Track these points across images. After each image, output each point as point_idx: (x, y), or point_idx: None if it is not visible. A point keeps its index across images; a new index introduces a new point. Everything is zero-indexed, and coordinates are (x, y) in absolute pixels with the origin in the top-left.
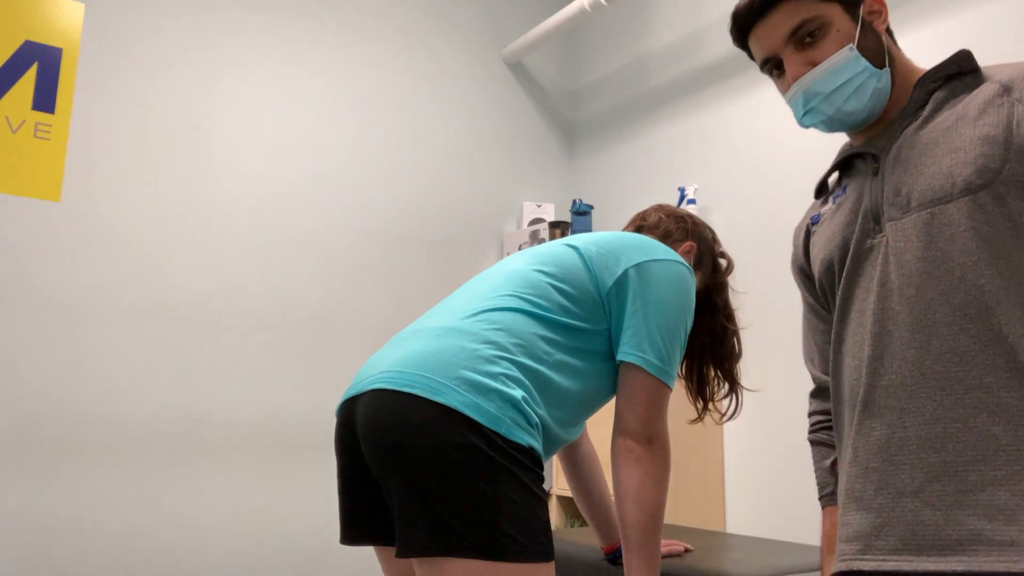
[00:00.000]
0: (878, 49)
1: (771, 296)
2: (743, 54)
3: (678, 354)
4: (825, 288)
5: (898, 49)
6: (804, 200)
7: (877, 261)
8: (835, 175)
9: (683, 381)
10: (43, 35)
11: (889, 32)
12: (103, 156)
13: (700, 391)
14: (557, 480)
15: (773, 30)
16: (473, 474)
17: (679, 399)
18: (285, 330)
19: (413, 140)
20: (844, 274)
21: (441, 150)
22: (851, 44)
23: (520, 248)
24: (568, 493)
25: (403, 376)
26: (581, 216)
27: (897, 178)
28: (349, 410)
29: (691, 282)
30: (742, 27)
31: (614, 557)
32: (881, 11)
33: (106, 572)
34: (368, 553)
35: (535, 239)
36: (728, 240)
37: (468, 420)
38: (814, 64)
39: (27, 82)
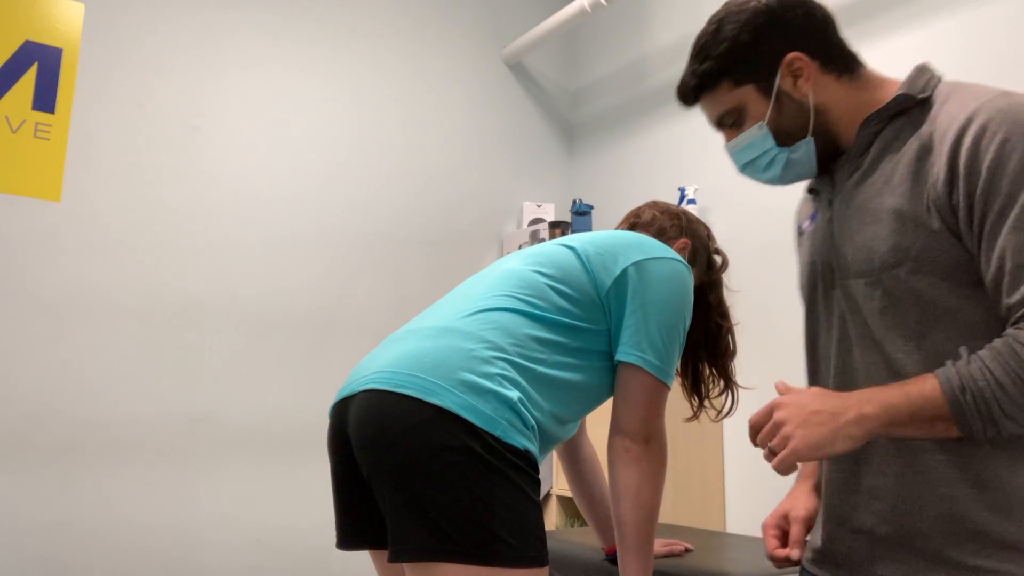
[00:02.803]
0: (797, 119)
1: (771, 296)
2: None
3: (677, 353)
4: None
5: (850, 83)
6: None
7: (835, 315)
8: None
9: (678, 378)
10: (43, 35)
11: (841, 61)
12: (103, 156)
13: (695, 389)
14: (557, 480)
15: (704, 113)
16: (467, 477)
17: (675, 397)
18: (285, 330)
19: (413, 140)
20: (812, 317)
21: (441, 150)
22: (760, 123)
23: (520, 248)
24: (568, 493)
25: (396, 376)
26: (581, 216)
27: (838, 238)
28: (341, 411)
29: (689, 280)
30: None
31: (615, 558)
32: (803, 68)
33: (106, 572)
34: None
35: (535, 239)
36: (727, 240)
37: (463, 422)
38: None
39: (27, 82)
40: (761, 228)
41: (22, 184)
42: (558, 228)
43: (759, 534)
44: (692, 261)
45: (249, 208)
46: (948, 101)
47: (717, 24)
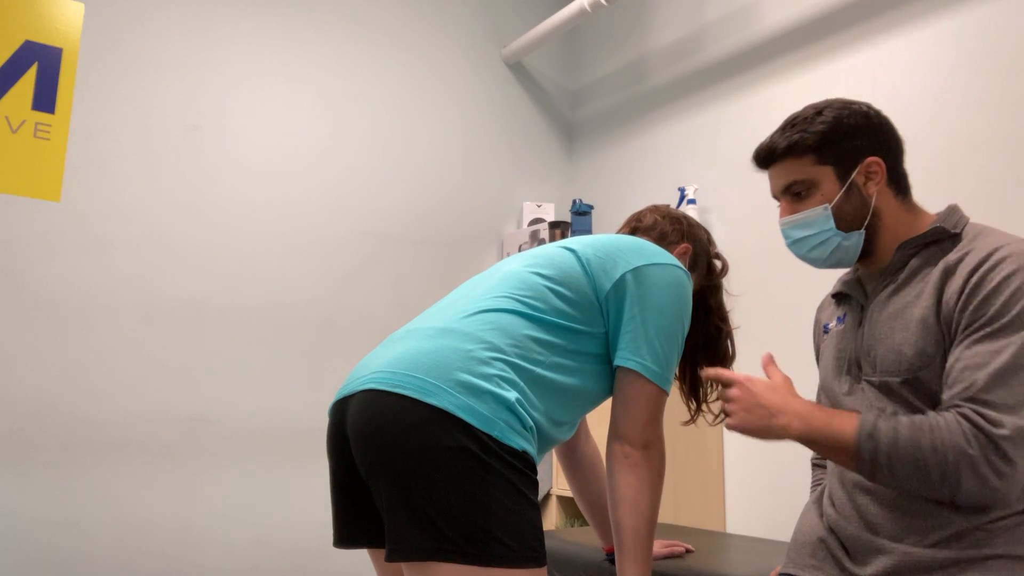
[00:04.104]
0: (858, 212)
1: (770, 296)
2: (743, 54)
3: (675, 359)
4: None
5: (902, 203)
6: None
7: (859, 401)
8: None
9: (676, 382)
10: (43, 35)
11: (902, 183)
12: (103, 156)
13: (693, 392)
14: (557, 480)
15: (774, 179)
16: (464, 478)
17: (673, 400)
18: (285, 330)
19: (413, 140)
20: (837, 391)
21: (441, 150)
22: (827, 204)
23: (520, 248)
24: (568, 493)
25: (394, 376)
26: (581, 216)
27: (868, 339)
28: (340, 410)
29: (688, 286)
30: (759, 166)
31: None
32: (878, 172)
33: (105, 572)
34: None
35: (535, 239)
36: (727, 241)
37: (460, 422)
38: (796, 213)
39: (27, 82)
40: (761, 229)
41: (22, 184)
42: (558, 228)
43: (759, 534)
44: (693, 266)
45: (249, 208)
46: (978, 238)
47: (819, 109)
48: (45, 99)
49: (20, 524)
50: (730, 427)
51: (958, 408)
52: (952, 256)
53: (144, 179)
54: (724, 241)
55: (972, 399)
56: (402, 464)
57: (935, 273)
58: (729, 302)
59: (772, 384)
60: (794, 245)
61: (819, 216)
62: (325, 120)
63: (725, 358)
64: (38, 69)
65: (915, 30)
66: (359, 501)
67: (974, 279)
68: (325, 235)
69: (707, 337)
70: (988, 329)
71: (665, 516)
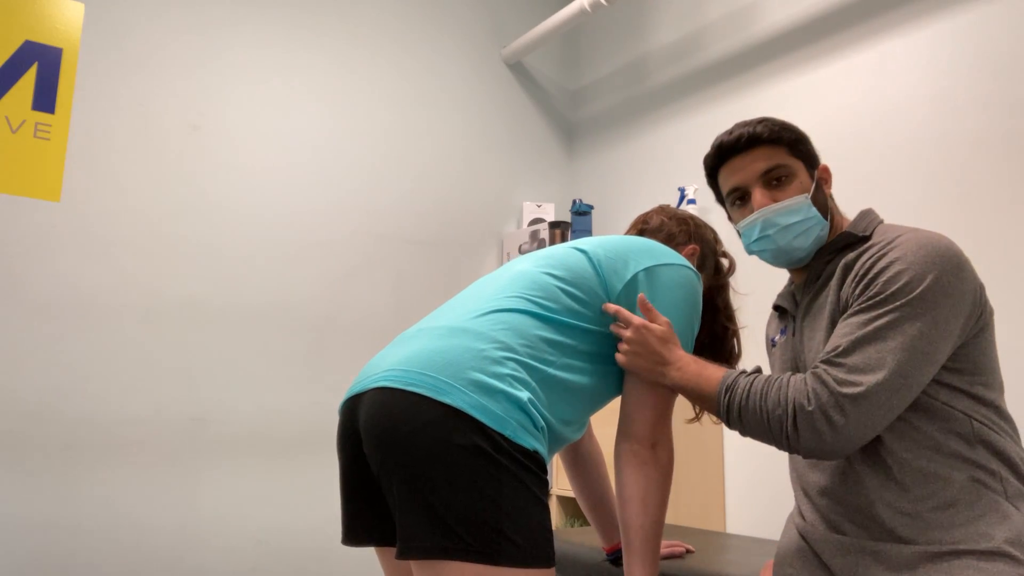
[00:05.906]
0: (824, 206)
1: (771, 297)
2: (742, 54)
3: None
4: None
5: (837, 212)
6: None
7: None
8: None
9: None
10: (43, 35)
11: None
12: (103, 156)
13: None
14: (557, 480)
15: (750, 165)
16: (476, 477)
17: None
18: (285, 330)
19: (413, 140)
20: None
21: (441, 150)
22: (807, 194)
23: (520, 248)
24: (568, 493)
25: (407, 375)
26: (581, 216)
27: (798, 347)
28: (351, 408)
29: (698, 286)
30: (723, 156)
31: (616, 557)
32: (828, 180)
33: (105, 572)
34: (369, 553)
35: (535, 239)
36: (726, 241)
37: (473, 421)
38: (776, 201)
39: (27, 82)
40: None
41: (22, 184)
42: (558, 228)
43: (759, 535)
44: (701, 266)
45: (249, 208)
46: (883, 235)
47: (763, 120)
48: (45, 99)
49: (20, 524)
50: (619, 362)
51: (815, 369)
52: (851, 255)
53: (144, 179)
54: (726, 241)
55: (829, 361)
56: (414, 462)
57: (837, 272)
58: (736, 301)
59: (664, 335)
60: (779, 233)
61: (804, 204)
62: (325, 120)
63: (731, 356)
64: (38, 69)
65: (914, 31)
66: (369, 499)
67: (866, 267)
68: (325, 235)
69: (714, 336)
70: (866, 304)
71: (666, 516)
